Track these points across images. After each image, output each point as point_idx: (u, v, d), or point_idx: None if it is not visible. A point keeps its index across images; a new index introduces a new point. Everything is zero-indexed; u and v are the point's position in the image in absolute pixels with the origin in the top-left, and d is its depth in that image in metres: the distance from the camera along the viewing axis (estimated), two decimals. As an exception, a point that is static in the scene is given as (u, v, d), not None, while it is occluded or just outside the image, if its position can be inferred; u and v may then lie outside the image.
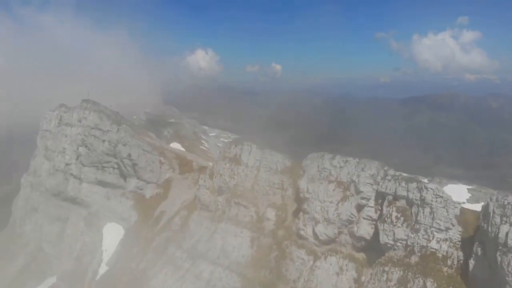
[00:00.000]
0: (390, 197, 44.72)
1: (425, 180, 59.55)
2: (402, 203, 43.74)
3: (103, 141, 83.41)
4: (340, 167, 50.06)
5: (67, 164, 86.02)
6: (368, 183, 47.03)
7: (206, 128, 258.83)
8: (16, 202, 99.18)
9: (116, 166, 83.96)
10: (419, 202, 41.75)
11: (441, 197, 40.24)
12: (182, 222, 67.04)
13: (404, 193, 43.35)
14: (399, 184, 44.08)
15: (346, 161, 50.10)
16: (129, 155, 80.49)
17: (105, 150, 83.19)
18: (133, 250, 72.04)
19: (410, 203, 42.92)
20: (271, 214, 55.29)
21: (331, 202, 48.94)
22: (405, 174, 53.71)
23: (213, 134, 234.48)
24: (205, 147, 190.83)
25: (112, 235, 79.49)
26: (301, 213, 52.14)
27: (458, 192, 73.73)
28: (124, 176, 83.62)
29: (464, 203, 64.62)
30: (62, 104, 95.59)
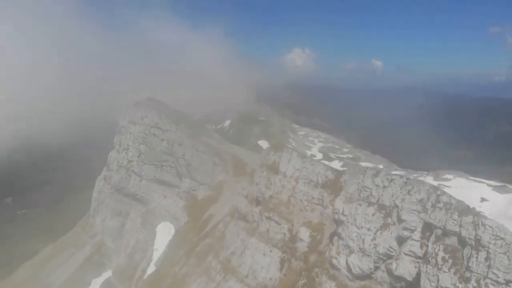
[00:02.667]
0: (439, 232, 34.98)
1: None
2: (452, 240, 33.82)
3: (162, 140, 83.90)
4: (384, 187, 41.14)
5: (129, 161, 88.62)
6: (414, 210, 37.62)
7: (296, 126, 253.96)
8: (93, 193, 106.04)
9: (173, 165, 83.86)
10: (473, 243, 31.69)
11: (502, 239, 29.84)
12: (224, 230, 63.53)
13: (456, 228, 33.42)
14: (451, 216, 34.20)
15: (391, 180, 40.98)
16: (183, 155, 79.57)
17: (163, 149, 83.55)
18: (179, 253, 70.75)
19: (462, 242, 32.90)
20: (305, 234, 48.38)
21: (368, 230, 40.49)
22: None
23: (302, 133, 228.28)
24: (292, 145, 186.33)
25: (164, 235, 79.48)
26: (335, 237, 44.45)
27: None
28: (179, 176, 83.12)
29: None
30: (139, 101, 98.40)
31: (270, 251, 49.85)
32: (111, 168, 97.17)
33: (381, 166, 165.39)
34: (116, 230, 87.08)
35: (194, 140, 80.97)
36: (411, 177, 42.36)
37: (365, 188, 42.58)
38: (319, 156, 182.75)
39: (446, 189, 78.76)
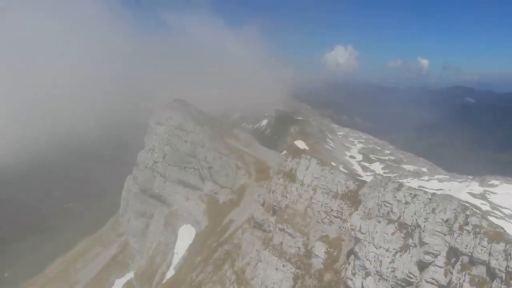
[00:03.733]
0: (466, 259, 30.37)
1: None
2: (480, 270, 29.15)
3: (186, 141, 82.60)
4: (406, 202, 36.74)
5: (155, 162, 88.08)
6: (438, 232, 33.06)
7: (336, 126, 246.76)
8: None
9: (196, 167, 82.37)
10: (503, 275, 27.03)
11: (541, 277, 25.05)
12: (241, 237, 60.94)
13: (485, 257, 28.74)
14: (480, 242, 29.53)
15: (415, 195, 36.47)
16: (205, 157, 77.77)
17: (187, 151, 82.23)
18: (197, 259, 68.96)
19: (491, 273, 28.18)
20: (320, 249, 44.68)
21: (387, 250, 36.28)
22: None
23: (341, 133, 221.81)
24: (330, 146, 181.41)
25: (185, 238, 78.17)
26: (352, 256, 40.52)
27: None
28: (202, 178, 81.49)
29: None
30: (172, 101, 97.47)
31: (283, 266, 46.54)
32: (140, 168, 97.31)
33: (424, 169, 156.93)
34: (140, 231, 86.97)
35: (217, 142, 78.87)
36: (438, 192, 37.55)
37: (385, 203, 38.34)
38: (359, 157, 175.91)
39: (491, 196, 72.63)
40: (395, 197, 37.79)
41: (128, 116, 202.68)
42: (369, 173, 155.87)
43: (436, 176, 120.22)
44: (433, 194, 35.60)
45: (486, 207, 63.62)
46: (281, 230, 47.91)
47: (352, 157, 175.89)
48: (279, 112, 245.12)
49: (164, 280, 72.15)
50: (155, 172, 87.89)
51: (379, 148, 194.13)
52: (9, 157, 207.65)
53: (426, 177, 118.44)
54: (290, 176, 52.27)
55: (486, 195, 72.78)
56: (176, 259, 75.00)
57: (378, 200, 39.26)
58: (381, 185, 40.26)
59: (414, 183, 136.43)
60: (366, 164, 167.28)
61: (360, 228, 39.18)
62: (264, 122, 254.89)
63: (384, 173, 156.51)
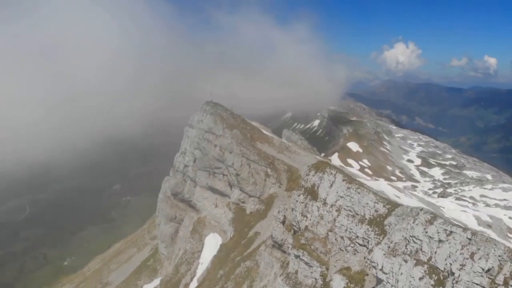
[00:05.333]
0: (510, 328, 23.33)
1: None
2: None
3: (215, 146, 78.91)
4: (439, 241, 29.78)
5: (185, 166, 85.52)
6: (476, 284, 26.07)
7: (393, 128, 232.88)
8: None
9: (225, 173, 78.52)
10: None
11: None
12: (261, 257, 56.06)
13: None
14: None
15: (450, 232, 29.46)
16: (233, 163, 73.50)
17: (216, 156, 78.54)
18: (219, 272, 65.06)
19: None
20: (339, 284, 38.46)
21: (413, 298, 29.75)
22: None
23: (399, 135, 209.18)
24: (386, 149, 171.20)
25: (211, 247, 74.73)
26: (373, 297, 34.20)
27: None
28: (230, 185, 77.51)
29: None
30: (205, 103, 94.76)
31: (297, 298, 41.05)
32: (173, 170, 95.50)
33: (488, 176, 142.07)
34: (169, 236, 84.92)
35: (246, 147, 74.16)
36: (479, 232, 30.06)
37: (414, 239, 31.58)
38: (417, 162, 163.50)
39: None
40: (426, 232, 30.94)
41: (176, 113, 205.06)
42: (427, 179, 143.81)
43: (501, 185, 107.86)
44: (474, 234, 28.35)
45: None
46: (297, 257, 42.31)
47: (410, 161, 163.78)
48: (332, 112, 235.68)
49: (187, 292, 69.29)
50: (186, 176, 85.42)
51: (440, 152, 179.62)
52: (61, 155, 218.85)
53: (489, 186, 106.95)
54: (312, 193, 46.37)
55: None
56: (201, 269, 71.74)
57: (406, 233, 32.57)
58: (410, 214, 33.47)
59: (475, 191, 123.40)
60: (425, 169, 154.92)
61: (382, 266, 32.81)
62: (316, 122, 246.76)
63: (444, 179, 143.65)
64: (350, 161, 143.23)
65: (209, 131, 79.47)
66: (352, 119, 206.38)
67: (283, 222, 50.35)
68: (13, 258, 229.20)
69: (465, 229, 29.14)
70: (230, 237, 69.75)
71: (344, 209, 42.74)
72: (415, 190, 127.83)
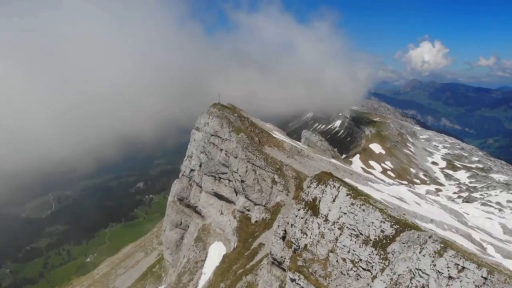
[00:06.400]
0: None
1: None
2: None
3: (221, 150, 75.29)
4: (449, 277, 25.10)
5: (191, 170, 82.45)
6: (493, 338, 21.38)
7: (418, 128, 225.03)
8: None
9: (231, 179, 74.89)
10: None
11: None
12: (260, 273, 52.12)
13: None
14: None
15: (463, 268, 24.73)
16: (237, 169, 69.75)
17: (221, 160, 74.92)
18: (220, 285, 61.54)
19: None
20: (338, 313, 34.25)
21: None
22: None
23: (424, 136, 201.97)
24: (410, 151, 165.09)
25: (215, 256, 71.24)
26: (373, 335, 29.71)
27: None
28: (236, 192, 73.82)
29: None
30: (212, 105, 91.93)
31: (292, 327, 36.90)
32: (180, 175, 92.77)
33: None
34: (174, 242, 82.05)
35: (252, 152, 70.20)
36: (495, 271, 25.01)
37: (420, 273, 26.95)
38: (442, 164, 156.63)
39: None
40: (435, 265, 26.25)
41: (192, 114, 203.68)
42: (452, 182, 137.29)
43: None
44: (490, 272, 23.52)
45: None
46: (292, 280, 38.10)
47: (434, 163, 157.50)
48: (354, 112, 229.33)
49: (188, 304, 66.08)
50: (192, 181, 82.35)
51: (466, 154, 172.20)
52: (84, 154, 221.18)
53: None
54: (313, 207, 42.01)
55: None
56: (203, 280, 68.40)
57: (411, 264, 27.95)
58: (417, 242, 28.79)
59: (502, 196, 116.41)
60: (450, 172, 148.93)
61: (384, 302, 28.28)
62: (337, 123, 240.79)
63: (470, 182, 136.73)
64: (372, 163, 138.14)
65: (215, 135, 75.95)
66: (375, 119, 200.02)
67: (283, 238, 46.20)
68: (38, 253, 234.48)
69: (480, 264, 24.27)
70: (234, 247, 66.05)
71: (347, 227, 38.21)
72: (439, 195, 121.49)
